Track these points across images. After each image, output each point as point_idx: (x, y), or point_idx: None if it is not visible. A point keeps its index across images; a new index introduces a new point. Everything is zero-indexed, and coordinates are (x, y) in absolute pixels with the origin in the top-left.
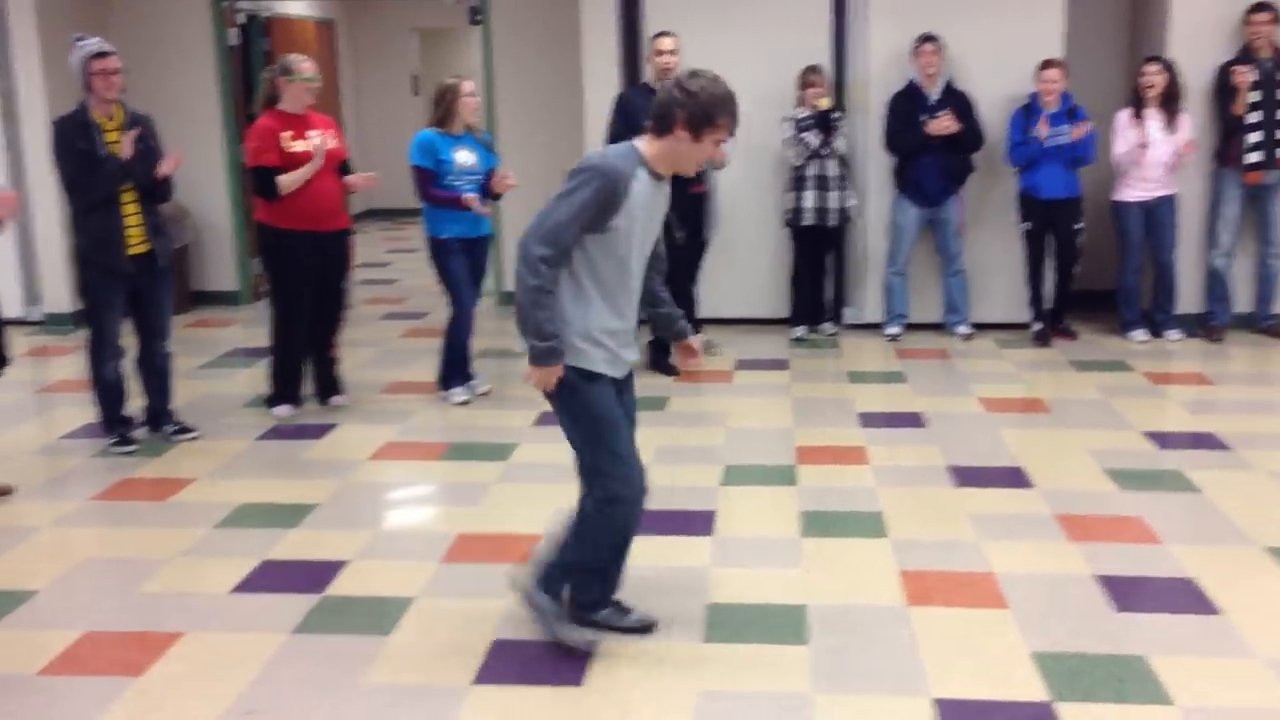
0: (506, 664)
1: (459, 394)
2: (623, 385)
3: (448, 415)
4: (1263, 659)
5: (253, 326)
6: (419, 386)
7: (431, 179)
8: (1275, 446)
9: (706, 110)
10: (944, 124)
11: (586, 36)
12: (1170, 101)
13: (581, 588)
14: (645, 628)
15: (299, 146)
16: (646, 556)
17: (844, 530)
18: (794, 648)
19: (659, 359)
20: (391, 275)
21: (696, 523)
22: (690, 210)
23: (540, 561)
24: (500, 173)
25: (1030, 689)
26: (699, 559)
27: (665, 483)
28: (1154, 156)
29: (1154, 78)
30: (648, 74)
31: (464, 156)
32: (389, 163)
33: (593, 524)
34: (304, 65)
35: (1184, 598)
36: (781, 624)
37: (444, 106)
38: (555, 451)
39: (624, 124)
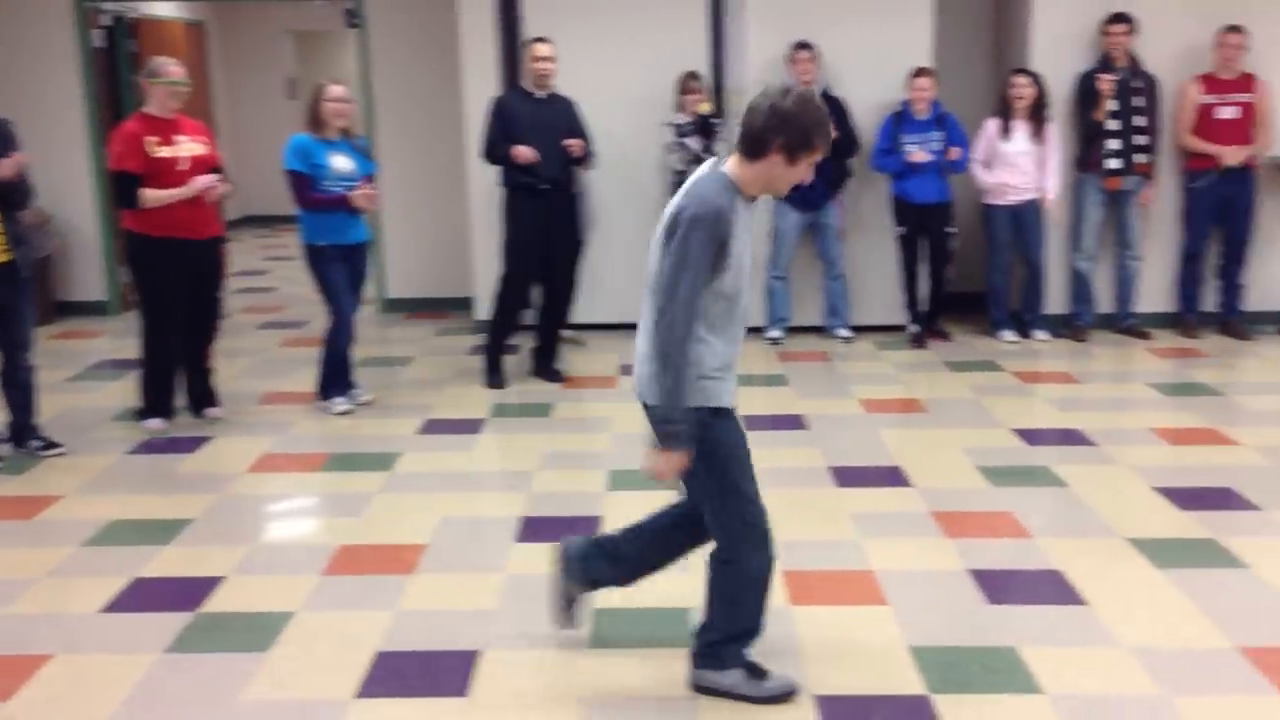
0: (390, 676)
1: (340, 403)
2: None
3: (328, 425)
4: (1126, 647)
5: (122, 338)
6: (298, 397)
7: (307, 184)
8: (1136, 441)
9: (806, 135)
10: None
11: (465, 40)
12: (1038, 112)
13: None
14: (787, 694)
15: (165, 152)
16: (532, 564)
17: None
18: (680, 650)
19: (543, 365)
20: (269, 283)
21: (583, 528)
22: (562, 211)
23: (701, 643)
24: (363, 189)
25: (908, 683)
26: None
27: (550, 489)
28: (1021, 163)
29: (1023, 90)
30: (525, 79)
31: (340, 161)
32: (265, 168)
33: (732, 579)
34: (170, 68)
35: (1052, 589)
36: (668, 627)
37: (313, 110)
38: (440, 460)
39: (500, 129)
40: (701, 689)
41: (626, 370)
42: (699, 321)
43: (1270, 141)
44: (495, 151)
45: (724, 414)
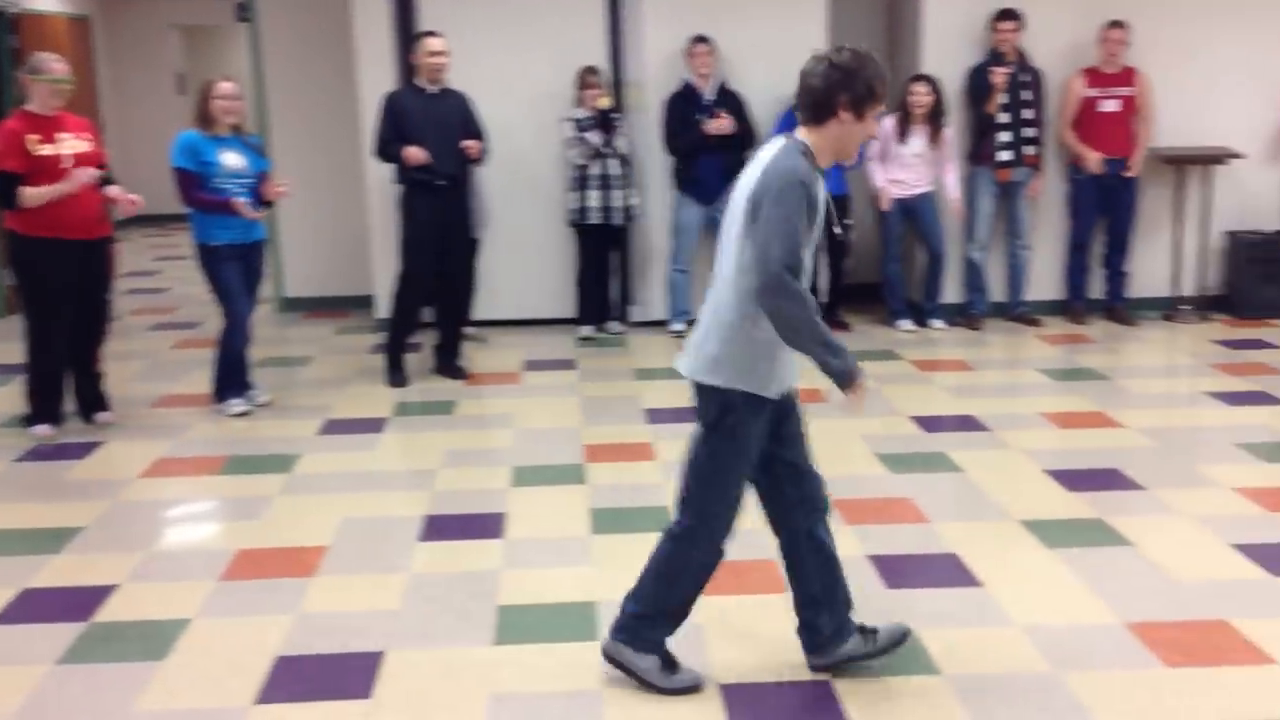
0: (291, 680)
1: (236, 405)
2: (790, 404)
3: (225, 428)
4: (1019, 626)
5: (6, 341)
6: (193, 399)
7: (196, 182)
8: (1029, 426)
9: (870, 87)
10: (720, 124)
11: (359, 34)
12: (935, 118)
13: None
14: (693, 689)
15: (47, 150)
16: (435, 563)
17: (633, 526)
18: (586, 645)
19: (445, 363)
20: (160, 284)
21: (486, 526)
22: (459, 208)
23: (625, 613)
24: (273, 181)
25: (809, 669)
26: (490, 562)
27: (454, 487)
28: (914, 164)
29: (922, 97)
30: (418, 74)
31: (231, 159)
32: (154, 166)
33: (681, 562)
34: (53, 65)
35: (948, 572)
36: (573, 622)
37: (201, 107)
38: (341, 460)
39: (392, 127)
40: (613, 660)
41: (530, 366)
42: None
43: (1151, 134)
44: (388, 150)
45: (758, 405)
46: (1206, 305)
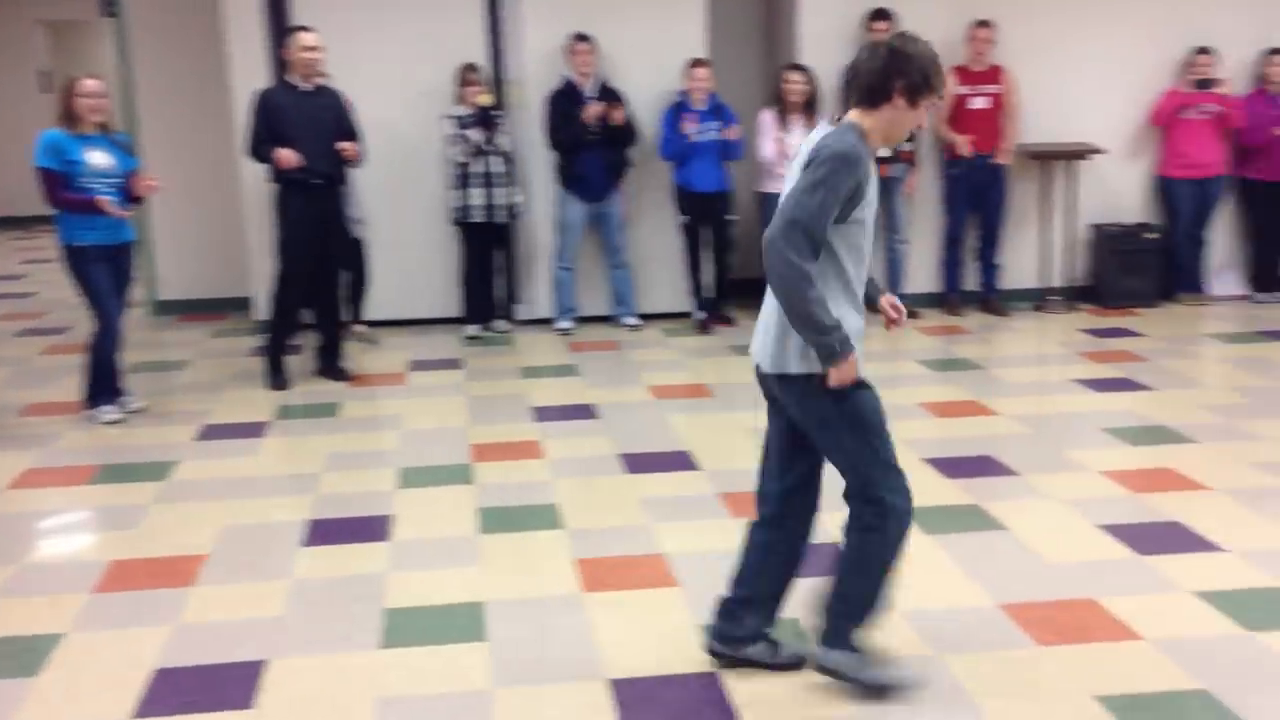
0: (170, 693)
1: (109, 412)
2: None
3: (97, 435)
4: (899, 610)
5: None
6: (63, 407)
7: (61, 182)
8: (909, 416)
9: (926, 75)
10: (597, 109)
11: (230, 29)
12: (810, 106)
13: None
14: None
15: None
16: (319, 568)
17: (521, 525)
18: (473, 645)
19: (327, 364)
20: (27, 288)
21: (372, 529)
22: (336, 206)
23: (824, 615)
24: (141, 175)
25: (698, 661)
26: (376, 565)
27: (338, 490)
28: (795, 155)
29: (797, 85)
30: (291, 71)
31: (98, 158)
32: (17, 166)
33: (875, 547)
34: None
35: (831, 561)
36: (460, 623)
37: (65, 105)
38: (220, 467)
39: (265, 125)
40: (829, 671)
41: (415, 366)
42: (826, 271)
43: (1018, 130)
44: (260, 149)
45: (861, 383)
46: (1074, 295)
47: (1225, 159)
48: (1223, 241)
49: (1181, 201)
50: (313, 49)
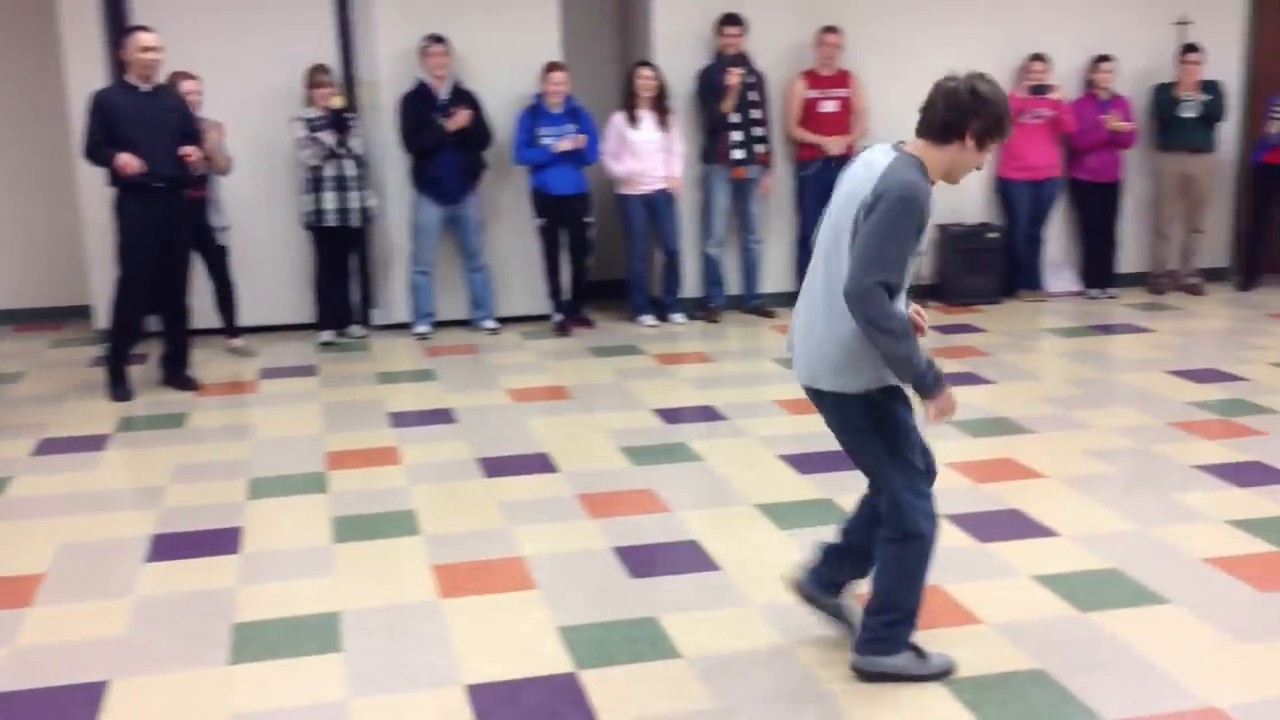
0: (5, 717)
1: None
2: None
3: None
4: (755, 606)
5: None
6: None
7: None
8: (764, 414)
9: (1000, 119)
10: (461, 119)
11: (65, 29)
12: (660, 102)
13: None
14: (950, 669)
15: None
16: (164, 584)
17: (376, 532)
18: (328, 657)
19: (173, 373)
20: None
21: (221, 541)
22: (179, 210)
23: (873, 626)
24: None
25: (556, 662)
26: (224, 579)
27: (184, 503)
28: (648, 151)
29: (647, 80)
30: (129, 71)
31: None
32: None
33: (914, 554)
34: None
35: (689, 558)
36: (314, 634)
37: None
38: (58, 482)
39: (102, 127)
40: (867, 674)
41: (267, 374)
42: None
43: (865, 131)
44: (98, 152)
45: (896, 392)
46: (922, 293)
47: (1059, 161)
48: (1057, 240)
49: (1019, 202)
50: (151, 49)
